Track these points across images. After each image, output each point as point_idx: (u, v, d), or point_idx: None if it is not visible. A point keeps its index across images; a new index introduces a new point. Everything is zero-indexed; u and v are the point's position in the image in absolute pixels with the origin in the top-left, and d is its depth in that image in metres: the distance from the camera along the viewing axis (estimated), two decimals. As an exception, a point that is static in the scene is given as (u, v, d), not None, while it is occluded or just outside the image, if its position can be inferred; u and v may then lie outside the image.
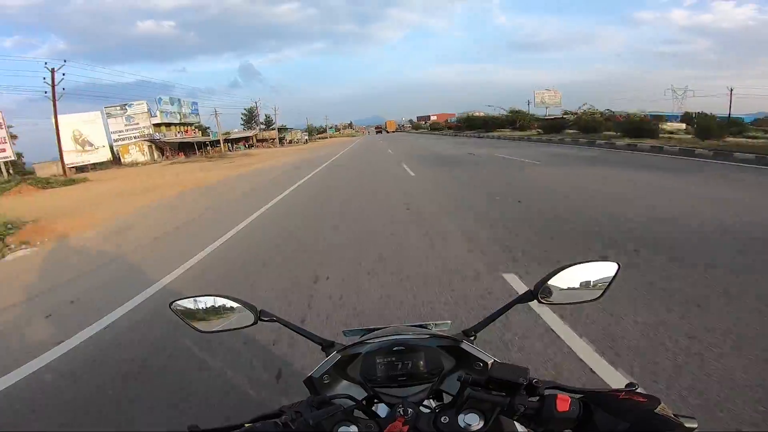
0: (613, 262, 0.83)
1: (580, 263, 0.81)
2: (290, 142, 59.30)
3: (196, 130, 42.56)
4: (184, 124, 40.42)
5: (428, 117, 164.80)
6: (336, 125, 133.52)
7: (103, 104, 34.66)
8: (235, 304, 0.85)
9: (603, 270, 0.82)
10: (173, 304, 0.86)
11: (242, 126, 60.12)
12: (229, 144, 46.61)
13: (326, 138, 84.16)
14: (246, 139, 52.05)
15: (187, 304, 0.86)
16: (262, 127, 60.66)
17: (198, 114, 44.27)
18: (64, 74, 23.11)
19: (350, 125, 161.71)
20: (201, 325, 0.86)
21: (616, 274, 0.81)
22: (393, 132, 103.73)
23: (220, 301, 0.86)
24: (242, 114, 61.87)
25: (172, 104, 38.74)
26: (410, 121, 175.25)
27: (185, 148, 37.49)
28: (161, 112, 36.79)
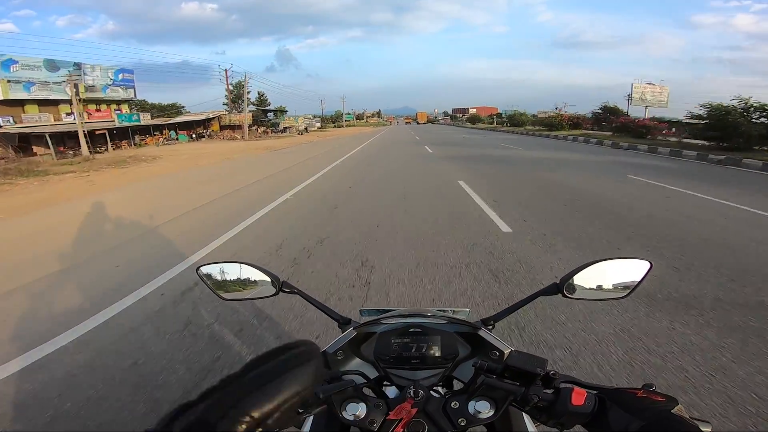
0: (646, 260, 0.77)
1: (609, 259, 0.77)
2: (284, 130, 44.60)
3: (121, 109, 28.50)
4: (89, 102, 25.69)
5: (466, 110, 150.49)
6: (362, 112, 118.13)
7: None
8: (259, 274, 0.86)
9: (632, 268, 0.78)
10: (199, 269, 0.87)
11: (225, 107, 46.07)
12: (174, 131, 32.18)
13: (341, 127, 69.06)
14: (204, 123, 35.74)
15: (213, 269, 0.87)
16: (252, 108, 46.22)
17: (134, 88, 30.28)
18: None
19: (378, 114, 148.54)
20: (224, 293, 0.87)
21: (647, 272, 0.77)
22: (424, 123, 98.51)
23: (245, 270, 0.86)
24: (227, 91, 47.87)
25: (53, 70, 23.41)
26: (445, 113, 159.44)
27: (72, 140, 21.38)
28: (8, 82, 21.29)
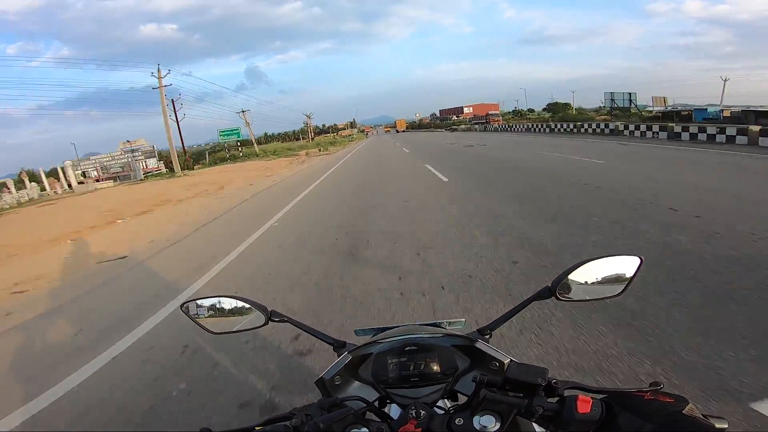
0: (635, 256, 0.75)
1: (600, 258, 0.75)
2: None
3: None
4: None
5: (460, 109, 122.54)
6: (304, 122, 73.06)
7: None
8: (245, 305, 0.83)
9: (624, 265, 0.76)
10: (184, 305, 0.84)
11: None
12: None
13: (224, 160, 25.04)
14: None
15: (198, 305, 0.84)
16: None
17: None
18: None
19: (352, 124, 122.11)
20: (211, 326, 0.84)
21: (638, 269, 0.75)
22: (403, 131, 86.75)
23: (231, 302, 0.84)
24: None
25: None
26: (433, 115, 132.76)
27: None
28: None
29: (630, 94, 34.89)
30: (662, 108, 31.80)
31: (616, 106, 34.09)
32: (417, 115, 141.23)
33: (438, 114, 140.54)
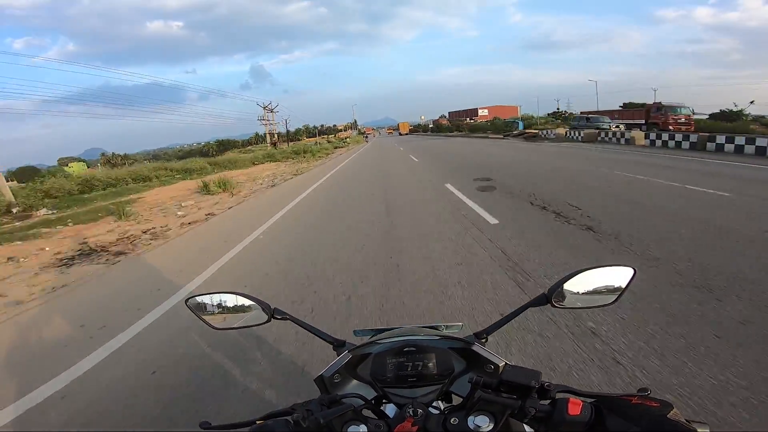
0: (630, 267, 0.78)
1: (594, 268, 0.77)
2: None
3: None
4: None
5: (474, 111, 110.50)
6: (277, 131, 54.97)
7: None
8: (249, 302, 0.85)
9: (618, 275, 0.78)
10: (188, 300, 0.86)
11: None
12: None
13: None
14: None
15: (202, 300, 0.86)
16: None
17: None
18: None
19: (353, 125, 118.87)
20: (215, 322, 0.86)
21: (631, 279, 0.78)
22: (406, 134, 78.18)
23: (235, 299, 0.85)
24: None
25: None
26: (443, 116, 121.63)
27: None
28: None
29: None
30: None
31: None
32: (422, 117, 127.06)
33: (447, 116, 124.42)
